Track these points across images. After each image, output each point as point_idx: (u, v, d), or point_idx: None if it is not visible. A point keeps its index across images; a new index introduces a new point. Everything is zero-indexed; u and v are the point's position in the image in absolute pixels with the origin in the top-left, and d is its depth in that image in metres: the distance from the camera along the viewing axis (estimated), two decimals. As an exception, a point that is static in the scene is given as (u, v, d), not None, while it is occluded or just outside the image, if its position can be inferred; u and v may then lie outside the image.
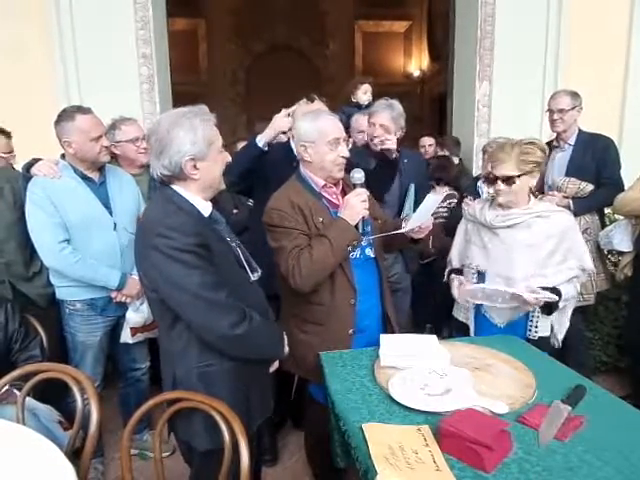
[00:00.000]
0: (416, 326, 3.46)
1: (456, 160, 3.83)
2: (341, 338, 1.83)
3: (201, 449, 1.47)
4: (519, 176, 1.83)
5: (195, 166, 1.41)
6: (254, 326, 1.41)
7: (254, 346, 1.46)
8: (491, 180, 1.90)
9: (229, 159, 1.55)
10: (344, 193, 1.90)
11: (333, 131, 1.80)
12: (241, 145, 3.42)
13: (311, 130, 1.80)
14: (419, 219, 1.85)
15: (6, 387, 1.65)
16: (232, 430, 1.29)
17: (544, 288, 1.83)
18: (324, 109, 2.16)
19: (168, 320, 1.44)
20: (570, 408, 1.34)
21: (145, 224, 1.45)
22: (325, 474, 2.06)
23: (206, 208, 1.48)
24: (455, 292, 2.01)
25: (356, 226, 1.76)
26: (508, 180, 1.84)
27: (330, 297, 1.82)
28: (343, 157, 1.82)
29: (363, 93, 3.40)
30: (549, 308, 1.86)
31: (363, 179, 1.80)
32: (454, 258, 2.13)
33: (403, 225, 1.89)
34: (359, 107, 3.41)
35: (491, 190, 1.98)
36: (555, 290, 1.85)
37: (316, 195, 1.85)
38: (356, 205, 1.74)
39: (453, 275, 2.08)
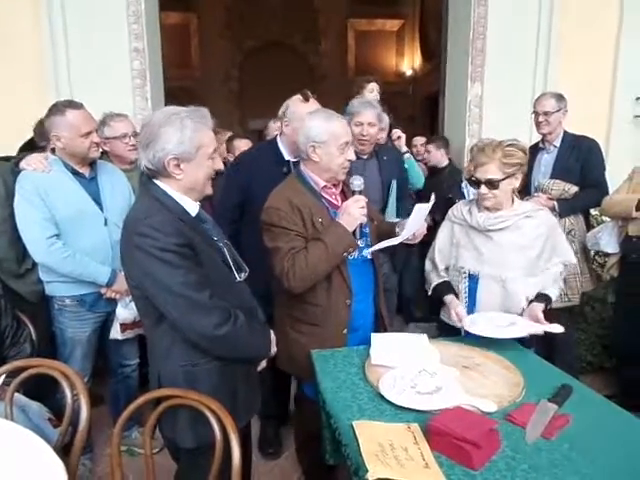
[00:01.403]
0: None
1: (446, 160, 3.87)
2: (335, 338, 1.84)
3: (185, 446, 1.47)
4: (503, 179, 1.85)
5: (178, 166, 1.39)
6: (238, 327, 1.41)
7: (238, 347, 1.45)
8: (474, 183, 1.91)
9: (220, 167, 1.53)
10: (343, 193, 1.92)
11: (344, 135, 1.81)
12: (238, 142, 3.41)
13: (323, 131, 1.79)
14: (412, 228, 1.85)
15: (-3, 382, 1.64)
16: (223, 427, 1.29)
17: (537, 296, 1.89)
18: (319, 107, 2.15)
19: (153, 318, 1.43)
20: (557, 407, 1.37)
21: (128, 222, 1.43)
22: (315, 471, 2.07)
23: (193, 207, 1.46)
24: (454, 319, 1.93)
25: (354, 232, 1.77)
26: (492, 183, 1.85)
27: (326, 298, 1.83)
28: (349, 160, 1.83)
29: (369, 92, 3.40)
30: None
31: (362, 186, 1.81)
32: (438, 260, 2.08)
33: (397, 231, 1.90)
34: None
35: (477, 197, 1.99)
36: (545, 296, 1.89)
37: (316, 195, 1.85)
38: (354, 212, 1.75)
39: (450, 300, 1.97)
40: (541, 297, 1.90)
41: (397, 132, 3.37)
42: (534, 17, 3.66)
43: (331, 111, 1.88)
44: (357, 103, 2.65)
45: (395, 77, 11.32)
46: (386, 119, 3.16)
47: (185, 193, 1.43)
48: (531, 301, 1.90)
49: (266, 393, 2.41)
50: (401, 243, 1.90)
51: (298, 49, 11.03)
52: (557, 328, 1.77)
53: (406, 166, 3.28)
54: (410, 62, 11.28)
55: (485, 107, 3.79)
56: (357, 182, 1.81)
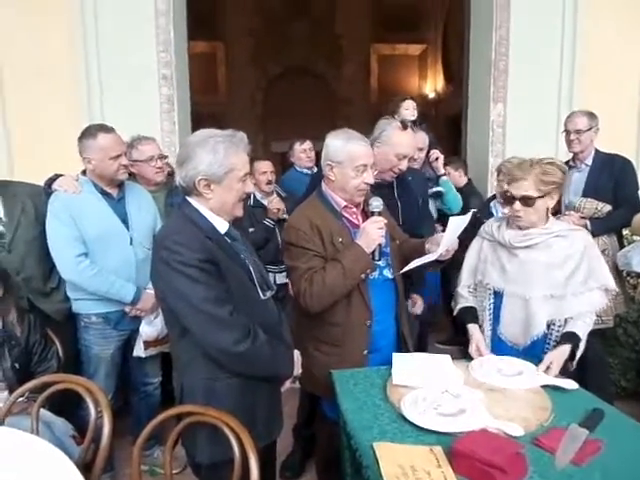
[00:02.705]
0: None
1: (465, 179, 3.81)
2: (356, 358, 1.82)
3: (203, 462, 1.48)
4: (539, 197, 1.77)
5: (208, 186, 1.44)
6: (257, 345, 1.41)
7: (257, 364, 1.45)
8: (508, 200, 1.83)
9: (251, 189, 1.57)
10: (364, 213, 1.90)
11: (362, 157, 1.80)
12: (258, 163, 3.43)
13: (341, 151, 1.80)
14: (447, 242, 1.81)
15: (22, 398, 1.67)
16: (242, 445, 1.28)
17: (563, 336, 1.78)
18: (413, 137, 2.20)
19: (177, 331, 1.47)
20: (588, 432, 1.31)
21: (158, 237, 1.51)
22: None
23: (222, 224, 1.50)
24: (472, 352, 1.88)
25: (373, 253, 1.75)
26: (527, 201, 1.78)
27: (346, 317, 1.82)
28: (366, 183, 1.83)
29: (406, 109, 3.39)
30: (573, 354, 1.79)
31: (381, 207, 1.81)
32: (466, 276, 2.04)
33: (427, 247, 1.86)
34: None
35: (506, 210, 1.94)
36: (574, 336, 1.79)
37: (337, 215, 1.85)
38: (372, 233, 1.73)
39: (472, 332, 1.92)
40: (569, 337, 1.78)
41: (435, 153, 3.25)
42: (557, 36, 3.65)
43: (356, 133, 1.86)
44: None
45: (418, 100, 11.36)
46: (426, 139, 3.12)
47: (215, 213, 1.48)
48: (558, 341, 1.79)
49: (303, 413, 2.40)
50: (430, 261, 1.86)
51: (321, 74, 11.26)
52: (569, 384, 1.60)
53: (441, 189, 3.22)
54: (433, 85, 11.36)
55: (508, 127, 3.76)
56: (376, 203, 1.80)
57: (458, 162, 3.88)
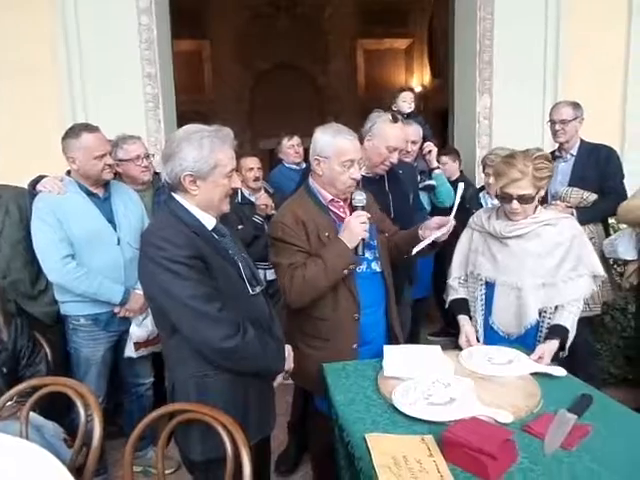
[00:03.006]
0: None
1: (457, 172, 3.81)
2: (346, 352, 1.82)
3: (196, 460, 1.47)
4: (536, 194, 1.79)
5: (194, 182, 1.43)
6: (247, 340, 1.41)
7: (246, 360, 1.45)
8: (507, 199, 1.81)
9: (238, 185, 1.56)
10: (351, 207, 1.89)
11: (349, 152, 1.79)
12: (245, 160, 3.43)
13: (328, 145, 1.80)
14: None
15: (11, 402, 1.65)
16: (235, 442, 1.28)
17: (552, 330, 1.80)
18: (403, 130, 2.21)
19: (167, 329, 1.46)
20: (576, 417, 1.33)
21: (144, 234, 1.49)
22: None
23: (210, 221, 1.49)
24: (462, 344, 1.90)
25: (357, 248, 1.75)
26: (526, 199, 1.79)
27: (333, 312, 1.82)
28: (353, 179, 1.82)
29: (403, 101, 3.38)
30: (562, 345, 1.81)
31: (364, 201, 1.80)
32: (457, 267, 2.06)
33: (420, 233, 1.85)
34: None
35: (506, 206, 1.88)
36: (562, 329, 1.81)
37: (323, 209, 1.85)
38: (355, 227, 1.73)
39: (462, 323, 1.94)
40: (557, 331, 1.79)
41: (429, 145, 3.23)
42: (541, 27, 3.67)
43: (344, 128, 1.86)
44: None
45: (405, 94, 11.39)
46: (420, 131, 3.10)
47: (202, 209, 1.47)
48: (548, 332, 1.81)
49: (297, 407, 2.40)
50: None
51: (308, 70, 11.22)
52: (558, 371, 1.61)
53: (434, 182, 3.21)
54: (419, 79, 11.37)
55: (495, 119, 3.79)
56: (359, 197, 1.79)
57: (454, 153, 3.84)
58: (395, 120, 2.26)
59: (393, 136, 2.24)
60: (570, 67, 3.67)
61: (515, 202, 1.79)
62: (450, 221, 1.80)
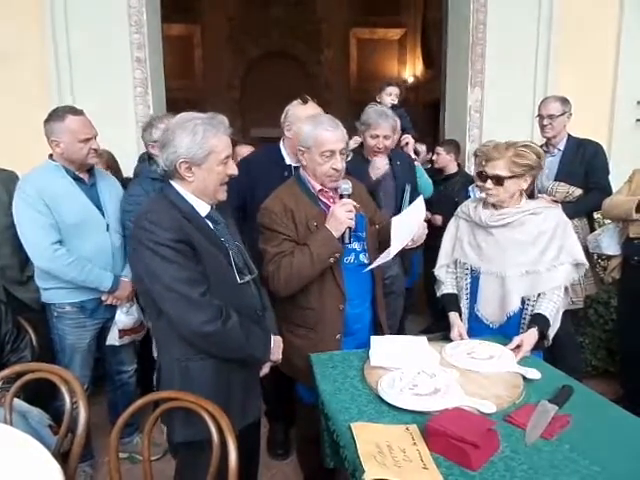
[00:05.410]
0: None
1: (455, 167, 3.81)
2: (329, 342, 1.84)
3: (177, 441, 1.50)
4: (509, 177, 1.82)
5: (190, 169, 1.44)
6: (229, 327, 1.42)
7: (227, 346, 1.46)
8: (482, 178, 1.88)
9: (234, 172, 1.55)
10: (341, 197, 1.90)
11: (329, 143, 1.78)
12: (241, 148, 3.42)
13: (309, 136, 1.80)
14: (400, 238, 1.78)
15: (-4, 389, 1.64)
16: (220, 428, 1.28)
17: (532, 319, 1.82)
18: (320, 112, 2.16)
19: (154, 312, 1.48)
20: (557, 407, 1.36)
21: (135, 217, 1.52)
22: (315, 475, 2.05)
23: (204, 207, 1.50)
24: (454, 337, 1.91)
25: (342, 236, 1.75)
26: (498, 180, 1.83)
27: (319, 302, 1.82)
28: (335, 169, 1.81)
29: (387, 95, 3.40)
30: (542, 334, 1.82)
31: (350, 190, 1.80)
32: (444, 256, 2.08)
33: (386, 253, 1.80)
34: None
35: (482, 192, 1.97)
36: (543, 318, 1.82)
37: (313, 198, 1.85)
38: (340, 216, 1.73)
39: (453, 320, 1.96)
40: (536, 320, 1.81)
41: (407, 138, 3.28)
42: (534, 22, 3.67)
43: (326, 118, 1.85)
44: (374, 114, 2.57)
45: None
46: (398, 123, 3.14)
47: (197, 195, 1.48)
48: (528, 324, 1.84)
49: (271, 395, 2.41)
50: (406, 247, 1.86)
51: (300, 58, 11.13)
52: (533, 374, 1.57)
53: None
54: (412, 70, 11.35)
55: (486, 112, 3.79)
56: (345, 186, 1.79)
57: (451, 145, 3.80)
58: (305, 101, 2.24)
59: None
60: (561, 63, 3.68)
61: (489, 181, 1.84)
62: (416, 236, 1.84)
